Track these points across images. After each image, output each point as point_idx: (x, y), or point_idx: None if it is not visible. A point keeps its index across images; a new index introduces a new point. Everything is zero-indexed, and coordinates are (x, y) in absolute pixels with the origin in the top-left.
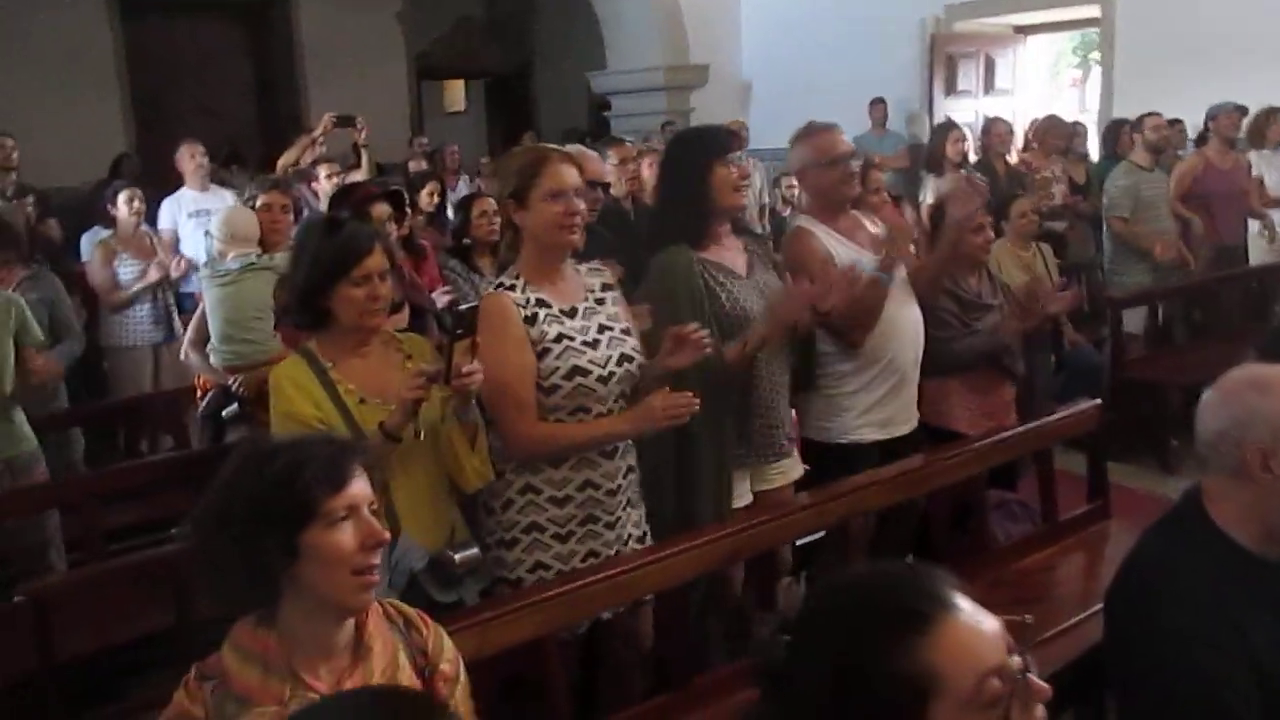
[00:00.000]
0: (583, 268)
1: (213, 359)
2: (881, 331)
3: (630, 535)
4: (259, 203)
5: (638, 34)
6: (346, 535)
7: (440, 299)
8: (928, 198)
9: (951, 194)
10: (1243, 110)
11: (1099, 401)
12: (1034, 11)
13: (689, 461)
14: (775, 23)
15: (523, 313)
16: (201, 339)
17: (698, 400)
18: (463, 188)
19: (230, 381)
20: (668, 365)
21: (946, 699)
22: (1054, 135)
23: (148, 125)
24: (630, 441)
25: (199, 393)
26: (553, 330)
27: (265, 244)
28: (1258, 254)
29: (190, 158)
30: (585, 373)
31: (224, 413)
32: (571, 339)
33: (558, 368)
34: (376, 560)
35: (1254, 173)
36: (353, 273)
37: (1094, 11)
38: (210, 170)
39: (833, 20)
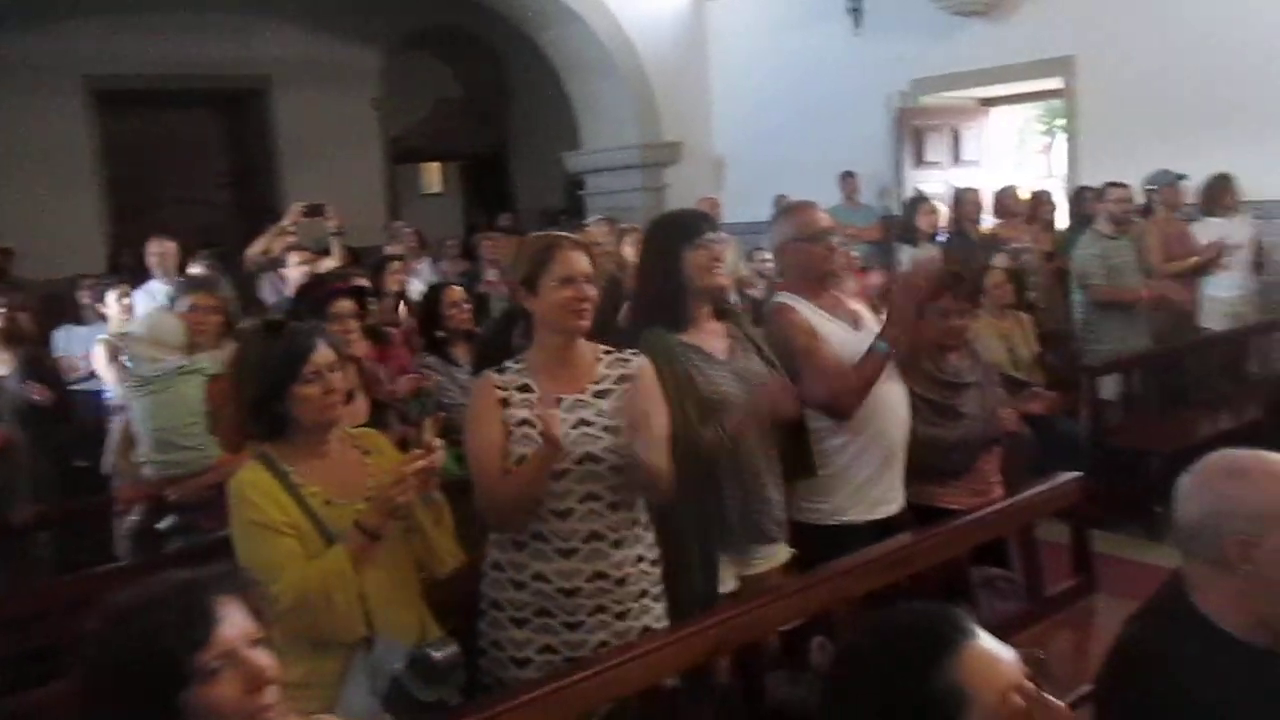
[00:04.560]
0: (608, 357)
1: (146, 470)
2: (869, 405)
3: (647, 628)
4: (187, 305)
5: (611, 113)
6: (227, 686)
7: (404, 384)
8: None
9: (903, 279)
10: (1181, 178)
11: (1079, 475)
12: (998, 85)
13: (675, 550)
14: (746, 100)
15: (501, 394)
16: (127, 450)
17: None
18: (426, 270)
19: (167, 493)
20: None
21: (976, 713)
22: (1012, 204)
23: (123, 216)
24: (640, 532)
25: (120, 506)
26: (519, 415)
27: (193, 346)
28: (1210, 319)
29: (152, 253)
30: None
31: (160, 526)
32: (533, 427)
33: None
34: (269, 699)
35: (1202, 240)
36: (303, 371)
37: (1056, 83)
38: (183, 261)
39: (801, 97)
